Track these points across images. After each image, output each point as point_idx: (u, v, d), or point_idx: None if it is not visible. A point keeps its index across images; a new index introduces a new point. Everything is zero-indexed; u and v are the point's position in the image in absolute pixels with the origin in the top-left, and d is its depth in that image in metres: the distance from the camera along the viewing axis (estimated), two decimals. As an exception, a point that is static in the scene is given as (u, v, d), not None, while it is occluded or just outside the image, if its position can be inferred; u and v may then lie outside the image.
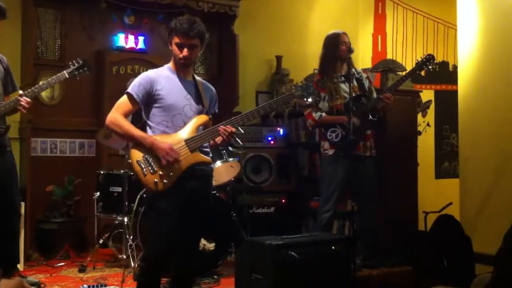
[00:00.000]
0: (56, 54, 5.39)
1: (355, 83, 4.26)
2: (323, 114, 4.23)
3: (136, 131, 2.81)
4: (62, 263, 4.53)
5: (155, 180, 2.73)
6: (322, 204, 4.29)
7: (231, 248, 4.37)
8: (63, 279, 4.04)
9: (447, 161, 6.86)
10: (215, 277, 3.96)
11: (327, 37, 4.33)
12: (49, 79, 3.69)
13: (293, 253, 3.22)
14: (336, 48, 4.23)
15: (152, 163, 2.75)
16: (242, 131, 4.77)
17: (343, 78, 4.24)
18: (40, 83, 3.72)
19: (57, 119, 5.25)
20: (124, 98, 2.88)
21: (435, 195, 5.81)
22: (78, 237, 5.01)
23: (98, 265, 4.40)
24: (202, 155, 2.90)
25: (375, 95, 4.34)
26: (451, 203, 4.69)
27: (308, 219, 5.38)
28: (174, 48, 2.87)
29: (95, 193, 4.54)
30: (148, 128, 2.89)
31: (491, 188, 4.55)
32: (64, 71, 3.73)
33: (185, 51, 2.85)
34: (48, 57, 5.34)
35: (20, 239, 4.06)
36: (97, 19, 5.48)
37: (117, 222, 4.43)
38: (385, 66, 5.12)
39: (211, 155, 3.02)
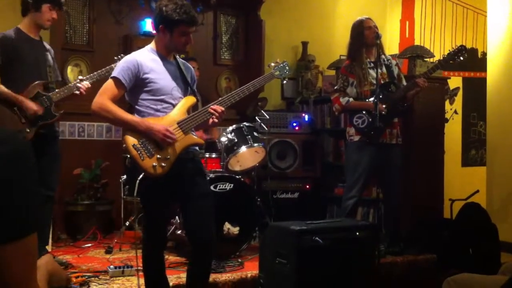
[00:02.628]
0: (84, 39, 5.44)
1: (384, 70, 4.23)
2: (351, 99, 4.21)
3: (128, 116, 2.76)
4: (89, 244, 4.61)
5: (154, 164, 2.71)
6: (346, 190, 4.29)
7: (255, 232, 4.39)
8: (91, 259, 4.12)
9: (474, 149, 6.77)
10: (239, 260, 3.99)
11: (352, 25, 4.31)
12: (103, 69, 3.77)
13: (317, 238, 3.23)
14: (361, 34, 4.20)
15: (149, 147, 2.73)
16: (267, 116, 4.84)
17: (372, 64, 4.21)
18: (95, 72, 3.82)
19: (85, 103, 5.27)
20: (110, 82, 2.79)
21: (462, 183, 5.74)
22: (105, 219, 5.09)
23: (125, 247, 4.45)
24: (195, 136, 2.92)
25: (404, 82, 4.30)
26: (477, 191, 4.65)
27: (332, 205, 5.38)
28: (177, 36, 2.81)
29: (121, 177, 4.59)
30: (135, 113, 2.84)
31: (519, 177, 4.49)
32: (113, 65, 3.76)
33: (190, 38, 2.86)
34: (76, 42, 5.40)
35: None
36: (125, 4, 5.52)
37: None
38: (413, 52, 5.05)
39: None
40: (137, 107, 2.85)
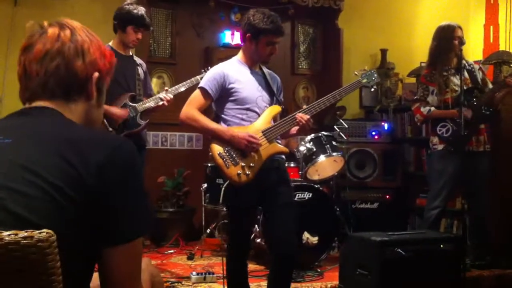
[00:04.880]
0: (167, 51, 5.64)
1: (466, 75, 4.08)
2: (432, 108, 4.10)
3: (214, 125, 2.84)
4: (172, 251, 4.75)
5: (238, 172, 2.76)
6: (429, 201, 4.17)
7: (335, 242, 4.36)
8: (173, 265, 4.24)
9: None
10: (319, 270, 3.98)
11: (440, 28, 4.13)
12: (186, 82, 3.86)
13: (399, 250, 3.17)
14: (449, 42, 4.05)
15: (234, 155, 2.78)
16: (346, 125, 4.81)
17: (453, 71, 4.08)
18: (177, 85, 3.92)
19: (168, 114, 5.49)
20: (198, 92, 2.88)
21: None
22: (187, 226, 5.23)
23: (206, 254, 4.56)
24: (280, 145, 2.94)
25: (490, 86, 4.14)
26: None
27: (413, 216, 5.26)
28: (263, 46, 2.86)
29: (202, 185, 4.70)
30: (222, 122, 2.90)
31: None
32: (198, 76, 3.84)
33: (275, 49, 2.90)
34: (160, 55, 5.61)
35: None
36: (206, 17, 5.68)
37: (223, 213, 4.58)
38: (498, 58, 4.87)
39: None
40: (223, 116, 2.92)
